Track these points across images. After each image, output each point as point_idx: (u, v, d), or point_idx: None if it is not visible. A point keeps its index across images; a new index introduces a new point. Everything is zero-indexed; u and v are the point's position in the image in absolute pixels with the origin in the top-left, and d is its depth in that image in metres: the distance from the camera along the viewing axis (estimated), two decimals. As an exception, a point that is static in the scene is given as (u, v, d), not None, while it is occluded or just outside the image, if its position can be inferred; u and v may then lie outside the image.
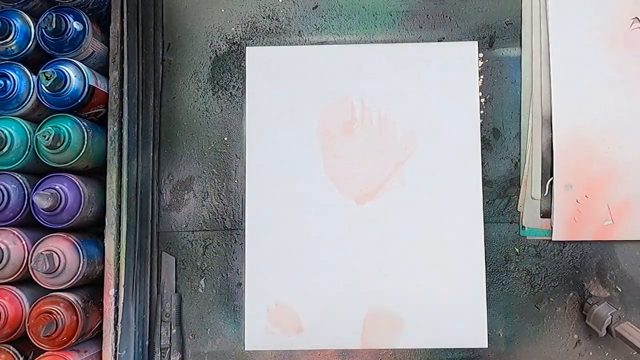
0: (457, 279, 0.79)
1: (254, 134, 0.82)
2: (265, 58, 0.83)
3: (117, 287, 0.74)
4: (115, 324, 0.73)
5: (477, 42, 0.82)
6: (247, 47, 0.84)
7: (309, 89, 0.82)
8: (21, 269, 0.70)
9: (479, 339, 0.78)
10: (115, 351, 0.73)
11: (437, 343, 0.79)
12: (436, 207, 0.80)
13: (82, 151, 0.72)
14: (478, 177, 0.80)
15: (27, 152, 0.71)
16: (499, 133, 0.82)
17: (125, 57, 0.78)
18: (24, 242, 0.70)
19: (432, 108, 0.81)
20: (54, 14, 0.71)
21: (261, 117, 0.82)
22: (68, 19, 0.72)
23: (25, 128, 0.71)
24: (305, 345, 0.79)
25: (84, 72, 0.73)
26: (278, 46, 0.84)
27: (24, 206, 0.71)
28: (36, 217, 0.71)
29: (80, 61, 0.73)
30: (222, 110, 0.85)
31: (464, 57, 0.82)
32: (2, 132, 0.69)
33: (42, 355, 0.70)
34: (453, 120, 0.81)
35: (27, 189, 0.71)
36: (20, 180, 0.71)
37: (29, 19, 0.73)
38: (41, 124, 0.72)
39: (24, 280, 0.71)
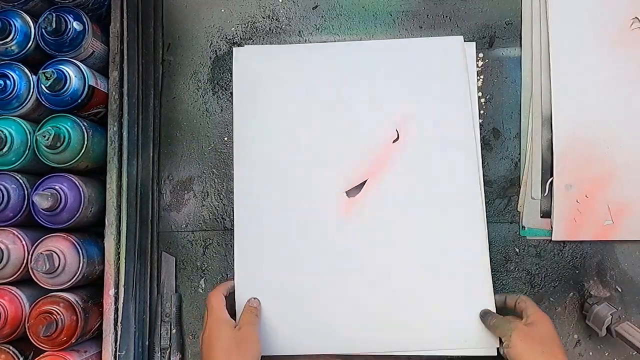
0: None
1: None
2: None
3: (117, 287, 0.74)
4: (115, 324, 0.73)
5: (474, 42, 0.82)
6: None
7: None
8: (21, 269, 0.70)
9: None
10: (115, 351, 0.73)
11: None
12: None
13: (82, 151, 0.72)
14: (478, 177, 0.78)
15: (27, 152, 0.71)
16: (499, 133, 0.82)
17: (125, 57, 0.78)
18: (24, 242, 0.70)
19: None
20: (54, 14, 0.70)
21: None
22: (68, 19, 0.72)
23: (25, 128, 0.71)
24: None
25: (84, 72, 0.72)
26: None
27: (24, 206, 0.71)
28: (36, 217, 0.71)
29: (80, 61, 0.73)
30: (222, 110, 0.85)
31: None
32: (2, 132, 0.69)
33: (42, 355, 0.70)
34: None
35: (27, 189, 0.71)
36: (20, 180, 0.71)
37: (29, 19, 0.73)
38: (41, 124, 0.72)
39: (24, 280, 0.71)
